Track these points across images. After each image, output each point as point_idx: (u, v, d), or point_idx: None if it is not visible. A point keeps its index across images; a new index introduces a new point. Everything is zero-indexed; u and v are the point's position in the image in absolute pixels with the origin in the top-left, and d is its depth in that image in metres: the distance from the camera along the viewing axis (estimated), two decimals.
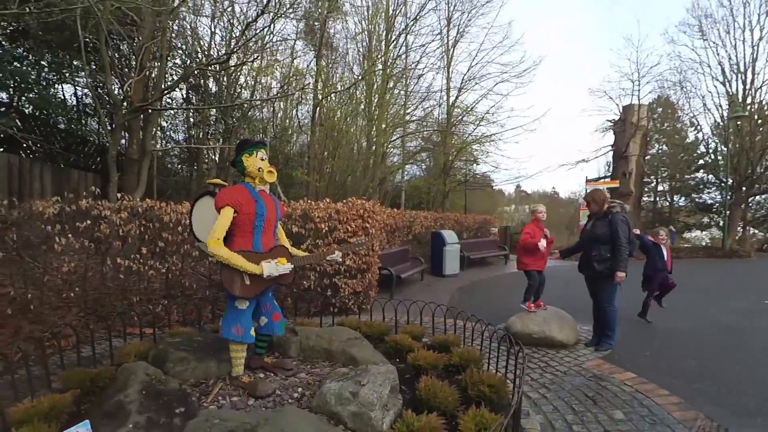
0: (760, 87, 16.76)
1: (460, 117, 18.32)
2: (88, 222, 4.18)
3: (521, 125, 19.33)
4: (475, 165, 19.99)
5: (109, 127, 8.75)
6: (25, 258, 3.93)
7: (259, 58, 13.69)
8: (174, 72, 11.66)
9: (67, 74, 10.16)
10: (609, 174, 18.09)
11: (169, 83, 9.40)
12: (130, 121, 8.07)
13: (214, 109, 12.99)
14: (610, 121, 17.75)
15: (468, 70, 17.89)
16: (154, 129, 10.47)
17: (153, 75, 8.89)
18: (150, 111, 8.38)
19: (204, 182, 13.63)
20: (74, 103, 11.31)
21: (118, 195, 4.94)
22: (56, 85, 10.50)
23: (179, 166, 15.15)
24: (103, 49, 7.37)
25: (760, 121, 16.74)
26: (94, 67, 9.75)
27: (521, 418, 2.59)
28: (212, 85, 13.92)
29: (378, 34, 15.45)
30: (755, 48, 16.45)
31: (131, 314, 4.09)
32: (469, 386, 2.66)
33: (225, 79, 13.45)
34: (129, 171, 8.43)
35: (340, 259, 3.27)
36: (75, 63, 9.75)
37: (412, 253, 9.64)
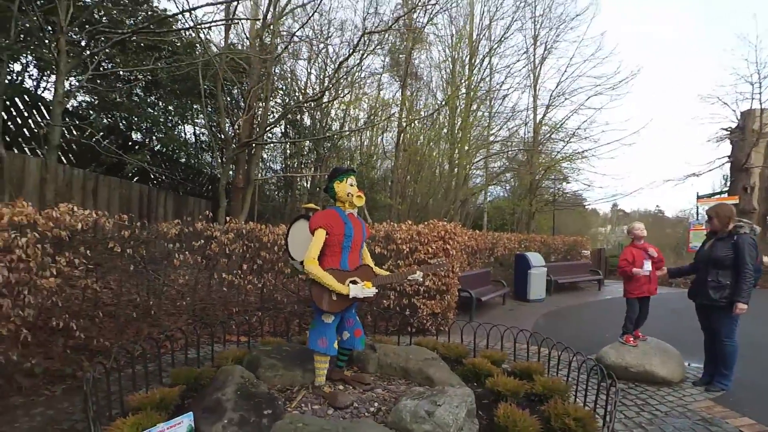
0: None
1: (548, 134, 17.53)
2: (202, 241, 4.83)
3: (617, 139, 17.78)
4: (565, 183, 18.80)
5: (220, 160, 10.05)
6: (149, 271, 4.65)
7: (349, 92, 14.73)
8: (275, 110, 13.04)
9: (188, 116, 11.97)
10: (726, 189, 15.65)
11: (271, 120, 10.56)
12: (238, 154, 9.21)
13: (308, 141, 14.18)
14: (726, 129, 15.43)
15: (557, 86, 17.14)
16: (257, 161, 11.74)
17: (258, 114, 10.06)
18: (254, 145, 9.47)
19: (297, 207, 14.82)
20: (193, 140, 13.21)
21: (226, 218, 5.63)
22: (179, 126, 12.40)
23: (276, 193, 16.64)
24: (218, 94, 8.63)
25: None
26: (210, 109, 11.35)
27: None
28: (307, 119, 15.26)
29: (461, 60, 15.60)
30: None
31: (230, 323, 4.58)
32: (552, 417, 2.50)
33: (318, 113, 14.65)
34: (235, 197, 9.54)
35: (421, 279, 3.35)
36: (195, 107, 11.45)
37: (494, 276, 9.30)
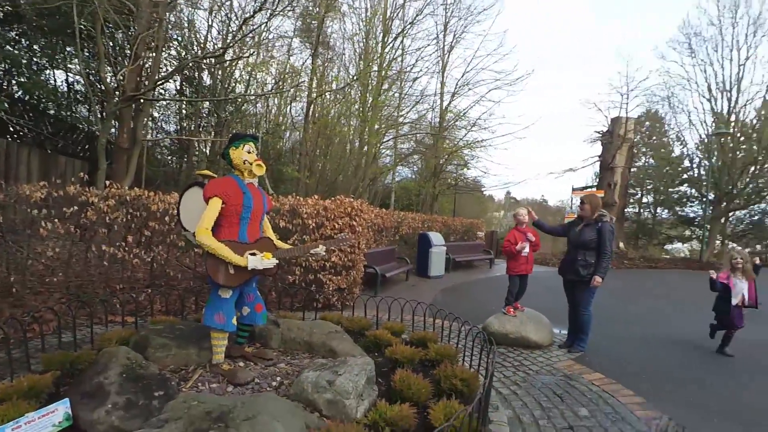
0: (744, 105, 17.24)
1: (453, 121, 18.49)
2: (75, 208, 4.19)
3: (512, 132, 19.58)
4: (465, 169, 20.22)
5: (99, 115, 8.70)
6: (8, 242, 3.93)
7: (256, 53, 13.73)
8: (168, 63, 11.62)
9: (59, 60, 10.08)
10: (595, 184, 18.42)
11: (163, 74, 9.38)
12: (121, 110, 8.05)
13: (207, 102, 13.00)
14: (599, 132, 18.08)
15: (462, 75, 18.09)
16: (146, 119, 10.42)
17: (147, 65, 8.86)
18: (142, 101, 8.37)
19: (193, 174, 13.62)
20: (65, 89, 11.21)
21: (106, 183, 4.95)
22: (48, 71, 10.40)
23: (169, 157, 15.09)
24: (98, 37, 7.36)
25: (742, 138, 17.20)
26: (87, 54, 9.68)
27: (491, 411, 2.70)
28: (206, 78, 13.92)
29: (375, 36, 15.55)
30: (741, 67, 16.90)
31: (114, 301, 4.11)
32: (442, 379, 2.76)
33: (220, 72, 13.46)
34: (118, 159, 8.40)
35: (324, 254, 3.34)
36: (68, 49, 9.68)
37: (399, 254, 9.75)
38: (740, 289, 4.56)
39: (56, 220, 3.99)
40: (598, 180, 18.15)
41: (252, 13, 8.92)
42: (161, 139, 13.65)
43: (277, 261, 2.89)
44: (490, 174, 31.42)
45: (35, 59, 9.60)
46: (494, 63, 18.18)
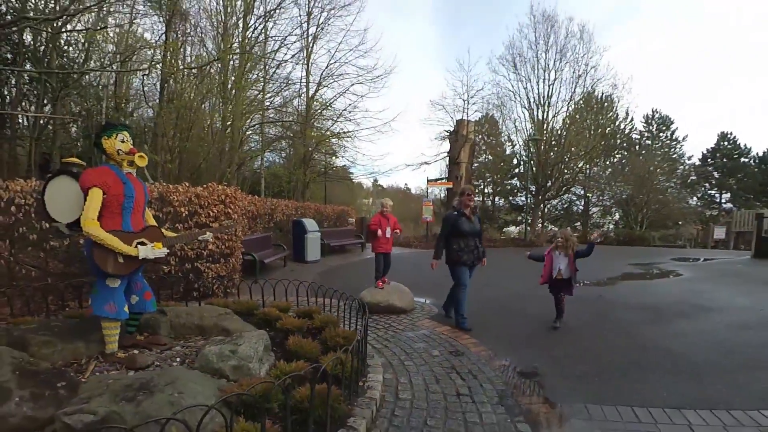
0: (553, 117, 21.71)
1: (319, 110, 18.75)
2: None
3: (374, 126, 20.56)
4: (334, 158, 20.92)
5: None
6: None
7: (96, 18, 11.93)
8: None
9: None
10: (446, 176, 21.14)
11: None
12: None
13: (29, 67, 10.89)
14: (447, 131, 20.72)
15: (327, 66, 18.27)
16: None
17: None
18: None
19: (15, 153, 11.42)
20: None
21: None
22: None
23: None
24: None
25: (553, 142, 21.69)
26: None
27: (368, 359, 3.42)
28: (27, 37, 11.60)
29: (236, 15, 14.80)
30: (551, 87, 21.19)
31: None
32: (328, 339, 3.38)
33: (46, 33, 11.34)
34: None
35: (211, 239, 3.59)
36: None
37: (275, 240, 9.95)
38: (557, 263, 4.86)
39: None
40: (448, 173, 20.86)
41: None
42: None
43: (168, 250, 3.07)
44: (357, 164, 32.83)
45: None
46: (357, 58, 18.35)
